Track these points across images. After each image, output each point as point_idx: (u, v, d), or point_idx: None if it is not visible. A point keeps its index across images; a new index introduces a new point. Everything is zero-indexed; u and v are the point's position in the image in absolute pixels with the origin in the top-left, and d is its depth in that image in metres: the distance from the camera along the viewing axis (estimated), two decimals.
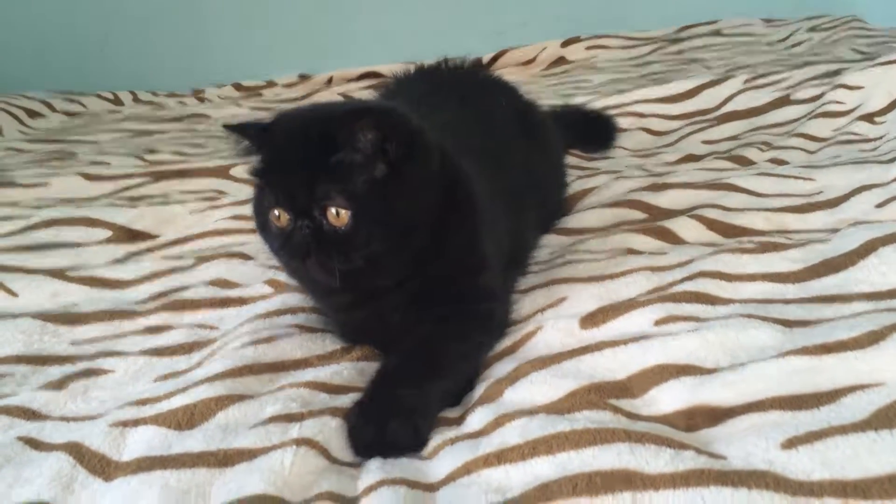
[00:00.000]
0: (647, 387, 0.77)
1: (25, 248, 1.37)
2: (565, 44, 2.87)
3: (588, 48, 2.84)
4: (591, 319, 0.90)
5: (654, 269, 1.00)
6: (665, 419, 0.73)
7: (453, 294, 0.92)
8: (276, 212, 0.84)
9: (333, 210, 0.82)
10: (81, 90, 3.07)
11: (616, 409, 0.74)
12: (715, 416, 0.72)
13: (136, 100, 3.05)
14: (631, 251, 1.08)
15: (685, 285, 0.94)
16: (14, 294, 1.21)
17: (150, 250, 1.36)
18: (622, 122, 1.85)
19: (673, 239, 1.12)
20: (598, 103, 1.93)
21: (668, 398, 0.75)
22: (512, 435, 0.72)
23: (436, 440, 0.77)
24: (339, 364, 0.91)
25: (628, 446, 0.66)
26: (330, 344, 0.95)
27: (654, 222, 1.17)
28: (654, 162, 1.58)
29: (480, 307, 0.93)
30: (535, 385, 0.80)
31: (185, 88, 3.09)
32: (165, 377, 0.91)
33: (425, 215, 0.88)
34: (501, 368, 0.87)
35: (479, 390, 0.84)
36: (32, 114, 2.81)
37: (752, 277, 0.94)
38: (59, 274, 1.26)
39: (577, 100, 1.99)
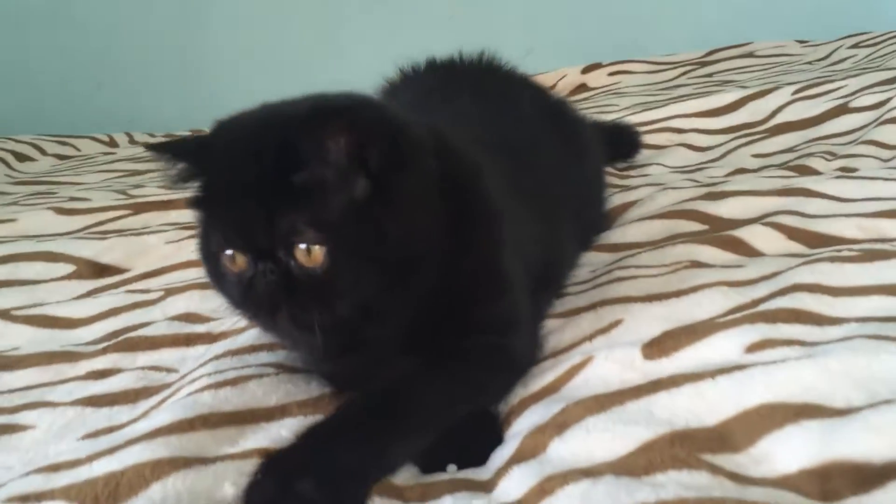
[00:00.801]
0: (754, 436, 0.55)
1: None
2: (585, 70, 2.68)
3: (610, 74, 2.65)
4: (658, 347, 0.69)
5: (731, 285, 0.78)
6: (787, 482, 0.51)
7: (465, 324, 0.72)
8: (230, 252, 0.65)
9: (303, 247, 0.63)
10: (75, 133, 2.91)
11: (714, 469, 0.53)
12: (863, 476, 0.50)
13: (131, 141, 2.89)
14: (696, 264, 0.86)
15: (778, 301, 0.72)
16: None
17: (115, 286, 1.16)
18: (658, 139, 1.66)
19: (746, 250, 0.90)
20: (630, 119, 1.74)
21: (788, 452, 0.53)
22: None
23: None
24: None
25: None
26: (316, 388, 0.73)
27: (719, 233, 0.95)
28: (700, 177, 1.37)
29: (494, 339, 0.73)
30: (593, 434, 0.59)
31: (182, 129, 2.93)
32: (96, 434, 0.69)
33: (428, 236, 0.68)
34: (542, 412, 0.65)
35: (513, 443, 0.62)
36: (21, 157, 2.64)
37: (864, 291, 0.73)
38: (4, 314, 1.06)
39: (605, 118, 1.79)
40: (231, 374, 0.74)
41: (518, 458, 0.60)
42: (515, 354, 0.74)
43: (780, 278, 0.77)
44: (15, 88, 3.22)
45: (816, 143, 1.49)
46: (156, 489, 0.57)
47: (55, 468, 0.61)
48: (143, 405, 0.73)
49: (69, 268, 1.23)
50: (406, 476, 0.63)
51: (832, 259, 0.79)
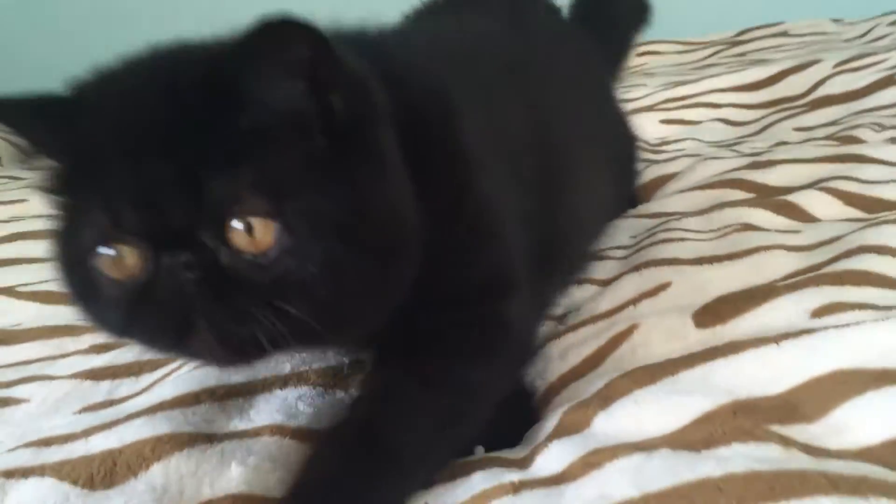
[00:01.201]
0: (829, 405, 0.49)
1: None
2: None
3: (638, 55, 2.57)
4: (713, 313, 0.63)
5: (789, 249, 0.71)
6: (871, 454, 0.45)
7: (441, 294, 0.56)
8: (114, 251, 0.46)
9: (241, 226, 0.44)
10: None
11: (785, 441, 0.46)
12: None
13: None
14: (749, 227, 0.79)
15: (844, 264, 0.66)
16: None
17: None
18: (691, 114, 1.59)
19: (801, 215, 0.83)
20: (660, 95, 1.67)
21: (870, 421, 0.47)
22: (618, 482, 0.44)
23: (483, 485, 0.49)
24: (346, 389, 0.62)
25: (838, 501, 0.37)
26: (333, 356, 0.66)
27: (772, 198, 0.88)
28: (741, 149, 1.30)
29: (479, 311, 0.57)
30: (643, 407, 0.52)
31: None
32: (94, 408, 0.63)
33: (409, 206, 0.51)
34: (582, 387, 0.58)
35: (552, 420, 0.56)
36: None
37: None
38: (8, 291, 1.01)
39: (635, 93, 1.72)
40: None
41: (558, 433, 0.54)
42: (511, 329, 0.59)
43: (844, 241, 0.71)
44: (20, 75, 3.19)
45: (863, 115, 1.41)
46: (156, 471, 0.51)
47: (47, 442, 0.56)
48: (147, 379, 0.67)
49: None
50: None
51: None
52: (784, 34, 2.53)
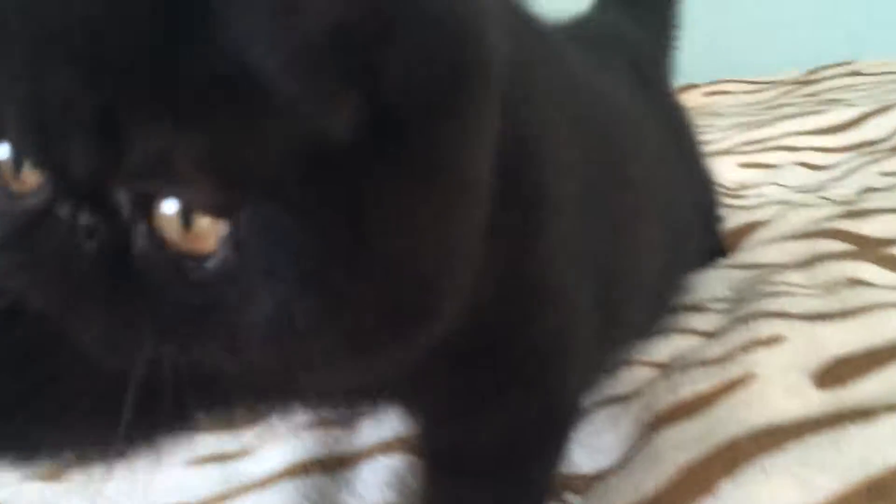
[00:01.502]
0: None
1: None
2: (680, 91, 2.59)
3: (706, 94, 2.55)
4: (834, 373, 0.60)
5: None
6: None
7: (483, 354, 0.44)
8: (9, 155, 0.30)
9: (174, 210, 0.28)
10: None
11: None
12: None
13: None
14: (858, 283, 0.76)
15: None
16: None
17: None
18: (769, 158, 1.57)
19: None
20: (737, 138, 1.65)
21: None
22: None
23: None
24: None
25: None
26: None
27: (875, 251, 0.85)
28: (828, 195, 1.27)
29: (535, 392, 0.48)
30: (773, 479, 0.50)
31: None
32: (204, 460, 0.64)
33: (465, 249, 0.35)
34: (697, 433, 0.56)
35: (664, 469, 0.54)
36: None
37: None
38: None
39: (710, 136, 1.71)
40: None
41: (675, 498, 0.52)
42: (564, 413, 0.52)
43: None
44: None
45: None
46: None
47: None
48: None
49: None
50: None
51: None
52: (855, 74, 2.49)
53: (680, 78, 2.74)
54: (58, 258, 0.29)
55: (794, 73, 2.61)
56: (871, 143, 1.54)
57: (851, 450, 0.51)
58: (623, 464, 0.58)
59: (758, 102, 2.42)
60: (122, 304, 0.30)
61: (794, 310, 0.71)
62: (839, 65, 2.59)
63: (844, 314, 0.69)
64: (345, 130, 0.28)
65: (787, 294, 0.75)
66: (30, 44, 0.28)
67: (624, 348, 0.68)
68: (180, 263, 0.29)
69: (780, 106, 2.31)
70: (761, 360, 0.64)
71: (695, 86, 2.61)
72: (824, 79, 2.50)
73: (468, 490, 0.50)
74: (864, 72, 2.52)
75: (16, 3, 0.28)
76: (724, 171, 1.56)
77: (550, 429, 0.51)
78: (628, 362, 0.70)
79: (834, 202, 1.12)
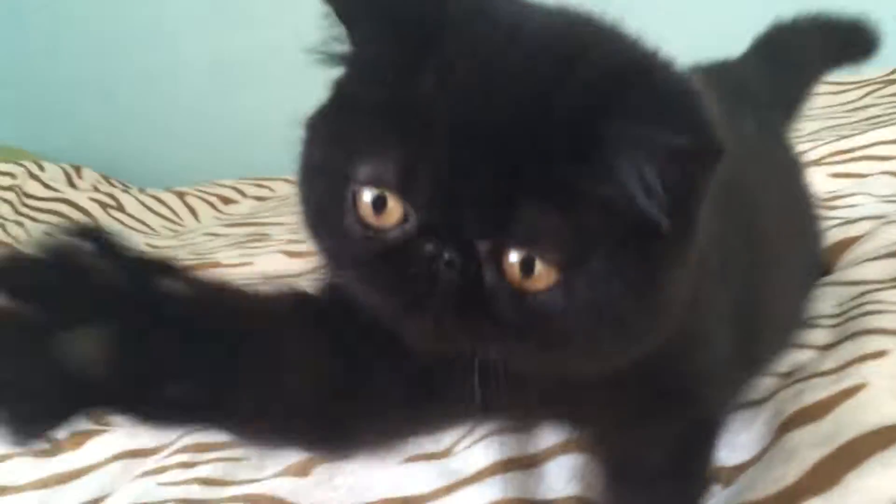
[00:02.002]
0: None
1: None
2: None
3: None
4: None
5: None
6: None
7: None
8: (381, 201, 0.44)
9: (520, 258, 0.42)
10: (271, 175, 3.15)
11: None
12: None
13: None
14: None
15: None
16: None
17: None
18: (858, 167, 1.66)
19: None
20: (825, 149, 1.74)
21: None
22: None
23: None
24: None
25: None
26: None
27: None
28: None
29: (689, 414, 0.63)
30: (890, 470, 0.63)
31: None
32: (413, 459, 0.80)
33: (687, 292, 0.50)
34: (822, 434, 0.70)
35: (798, 465, 0.67)
36: (226, 200, 2.91)
37: None
38: None
39: (800, 147, 1.80)
40: None
41: (810, 487, 0.65)
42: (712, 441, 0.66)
43: None
44: (217, 137, 3.51)
45: None
46: None
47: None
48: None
49: None
50: None
51: None
52: None
53: None
54: (416, 279, 0.42)
55: (878, 72, 2.64)
56: None
57: None
58: (761, 459, 0.72)
59: (841, 104, 2.47)
60: (469, 321, 0.43)
61: (892, 326, 0.84)
62: None
63: None
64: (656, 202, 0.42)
65: (886, 311, 0.88)
66: (451, 133, 0.41)
67: (761, 372, 0.81)
68: (514, 295, 0.42)
69: (866, 107, 2.37)
70: (871, 371, 0.77)
71: None
72: None
73: (639, 493, 0.66)
74: None
75: (444, 103, 0.42)
76: (817, 181, 1.67)
77: (699, 439, 0.65)
78: None
79: None
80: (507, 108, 0.41)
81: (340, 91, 0.48)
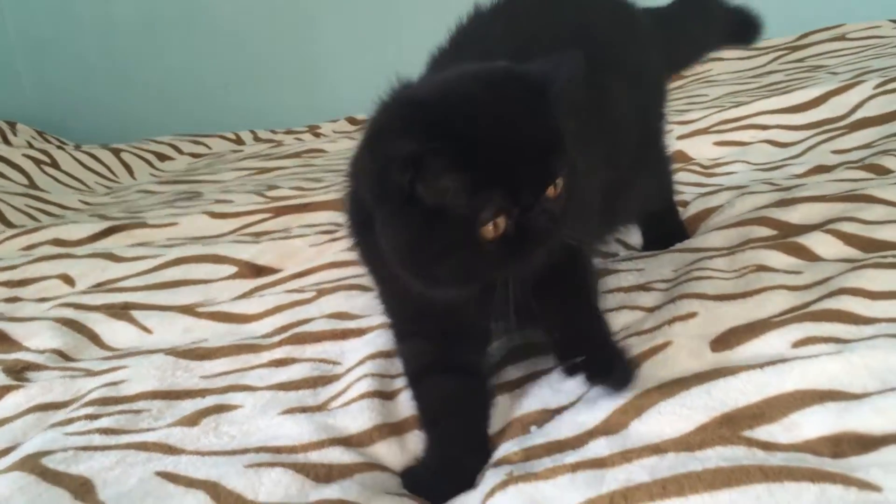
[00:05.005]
0: (786, 412, 0.72)
1: (158, 285, 1.44)
2: None
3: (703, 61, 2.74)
4: (724, 341, 0.86)
5: (790, 288, 0.94)
6: (807, 446, 0.68)
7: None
8: (496, 220, 0.71)
9: (557, 181, 0.73)
10: (206, 132, 3.20)
11: (750, 442, 0.70)
12: (864, 443, 0.67)
13: (256, 139, 3.16)
14: (763, 268, 1.02)
15: (825, 303, 0.88)
16: (148, 331, 1.27)
17: (273, 285, 1.39)
18: (743, 136, 1.79)
19: (808, 255, 1.05)
20: (716, 117, 1.87)
21: (812, 424, 0.70)
22: (640, 473, 0.69)
23: (548, 464, 0.75)
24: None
25: (766, 487, 0.62)
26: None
27: (786, 239, 1.10)
28: (780, 175, 1.51)
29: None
30: (664, 416, 0.76)
31: (301, 125, 3.18)
32: (292, 411, 0.92)
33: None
34: None
35: (599, 414, 0.80)
36: (162, 157, 2.97)
37: None
38: (189, 310, 1.31)
39: (693, 115, 1.93)
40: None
41: (604, 430, 0.77)
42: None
43: (832, 282, 0.93)
44: (152, 93, 3.54)
45: (893, 139, 1.59)
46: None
47: (276, 450, 0.85)
48: (323, 393, 0.96)
49: (232, 269, 1.47)
50: (510, 445, 0.82)
51: (876, 265, 0.94)
52: (842, 38, 2.65)
53: None
54: (539, 227, 0.72)
55: (786, 38, 2.77)
56: (831, 120, 1.74)
57: (717, 394, 0.77)
58: (574, 405, 0.84)
59: (749, 69, 2.59)
60: (554, 226, 0.73)
61: (710, 291, 0.97)
62: (828, 28, 2.74)
63: (744, 295, 0.94)
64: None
65: (708, 278, 1.01)
66: (507, 147, 0.70)
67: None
68: (554, 202, 0.72)
69: (770, 73, 2.50)
70: (676, 332, 0.90)
71: None
72: (813, 44, 2.66)
73: (574, 314, 0.86)
74: (850, 36, 2.67)
75: (497, 136, 0.70)
76: (703, 148, 1.80)
77: (587, 272, 0.91)
78: None
79: (776, 188, 1.36)
80: (523, 131, 0.72)
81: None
